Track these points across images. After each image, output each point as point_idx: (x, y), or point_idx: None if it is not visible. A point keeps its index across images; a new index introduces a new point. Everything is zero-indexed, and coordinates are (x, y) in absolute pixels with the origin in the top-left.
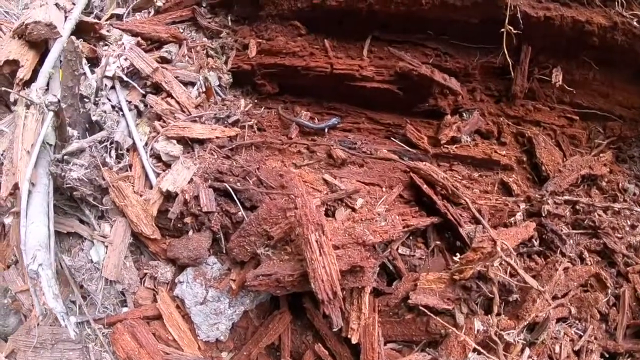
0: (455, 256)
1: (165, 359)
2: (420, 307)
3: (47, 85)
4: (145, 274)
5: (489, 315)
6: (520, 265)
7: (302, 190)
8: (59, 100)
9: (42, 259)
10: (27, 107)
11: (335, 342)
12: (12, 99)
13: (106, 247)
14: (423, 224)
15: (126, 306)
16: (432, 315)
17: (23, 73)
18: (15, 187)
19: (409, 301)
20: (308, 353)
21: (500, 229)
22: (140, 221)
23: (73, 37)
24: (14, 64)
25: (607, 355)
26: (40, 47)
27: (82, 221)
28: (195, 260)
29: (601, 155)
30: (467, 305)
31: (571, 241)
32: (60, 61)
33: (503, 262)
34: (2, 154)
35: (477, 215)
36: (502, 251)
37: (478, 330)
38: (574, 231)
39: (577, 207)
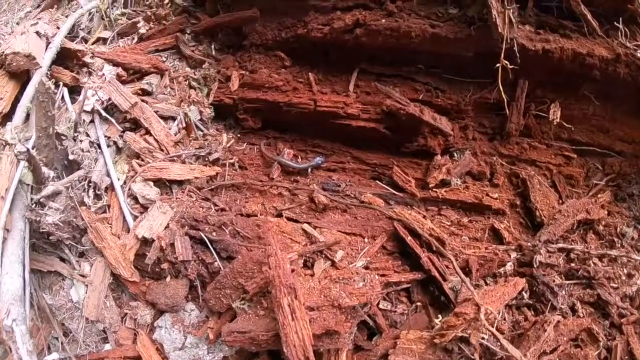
0: (438, 317)
1: None
2: None
3: (27, 118)
4: (126, 313)
5: None
6: (509, 319)
7: (275, 249)
8: (28, 150)
9: (16, 314)
10: (2, 147)
11: None
12: None
13: (86, 286)
14: (405, 281)
15: (108, 343)
16: None
17: (2, 106)
18: None
19: None
20: None
21: (488, 286)
22: (119, 264)
23: (44, 78)
24: None
25: None
26: (21, 78)
27: (62, 259)
28: (172, 307)
29: (599, 195)
30: None
31: (563, 292)
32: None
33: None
34: None
35: (462, 276)
36: (485, 318)
37: None
38: (567, 282)
39: (572, 255)
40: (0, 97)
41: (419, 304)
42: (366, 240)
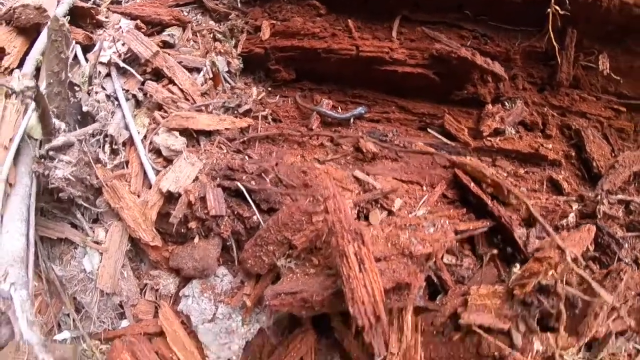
0: (515, 266)
1: None
2: (475, 328)
3: (37, 72)
4: (146, 284)
5: (547, 333)
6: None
7: (333, 190)
8: (37, 85)
9: (15, 277)
10: (7, 96)
11: None
12: None
13: (100, 254)
14: (474, 230)
15: (125, 319)
16: (487, 336)
17: (9, 61)
18: None
19: (461, 321)
20: None
21: (561, 233)
22: (139, 226)
23: (57, 14)
24: None
25: None
26: (31, 34)
27: (73, 225)
28: (203, 272)
29: None
30: (525, 323)
31: (626, 245)
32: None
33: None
34: None
35: (540, 219)
36: (571, 260)
37: (537, 351)
38: (629, 234)
39: (631, 207)
40: (8, 52)
41: (486, 254)
42: (424, 188)
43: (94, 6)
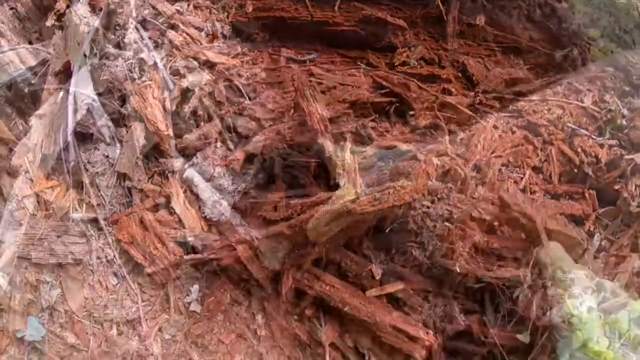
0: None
1: (171, 237)
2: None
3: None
4: (154, 172)
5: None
6: None
7: (299, 73)
8: None
9: None
10: None
11: None
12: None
13: (122, 145)
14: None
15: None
16: None
17: None
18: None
19: None
20: None
21: None
22: (157, 119)
23: None
24: None
25: (550, 196)
26: None
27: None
28: (205, 142)
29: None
30: None
31: (501, 121)
32: None
33: None
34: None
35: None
36: None
37: (437, 165)
38: (502, 114)
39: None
40: None
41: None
42: None
43: None
